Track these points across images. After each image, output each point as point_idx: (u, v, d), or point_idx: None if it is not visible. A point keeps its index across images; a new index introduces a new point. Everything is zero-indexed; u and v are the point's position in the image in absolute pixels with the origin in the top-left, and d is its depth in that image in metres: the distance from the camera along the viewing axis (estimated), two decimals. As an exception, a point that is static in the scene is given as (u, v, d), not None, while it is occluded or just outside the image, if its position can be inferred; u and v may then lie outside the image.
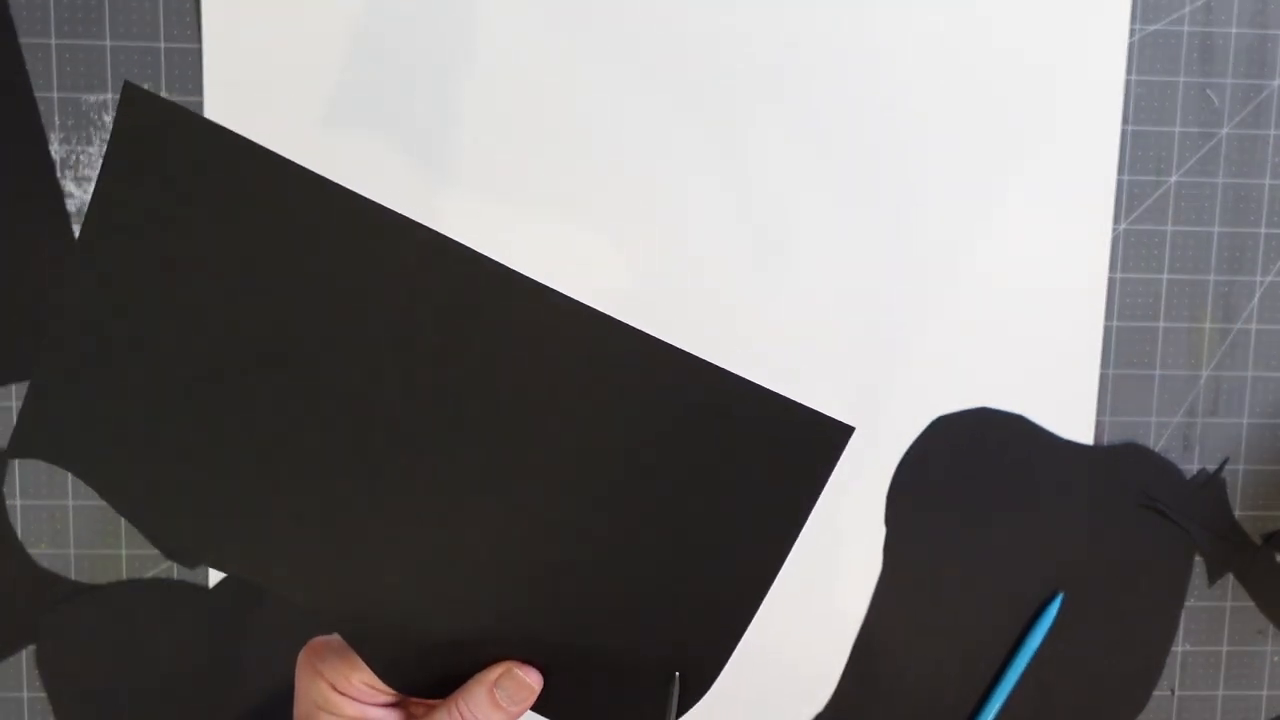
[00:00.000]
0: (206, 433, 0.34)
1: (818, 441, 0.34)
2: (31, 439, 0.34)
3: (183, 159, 0.32)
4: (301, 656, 0.38)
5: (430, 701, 0.38)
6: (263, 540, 0.35)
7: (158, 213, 0.33)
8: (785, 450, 0.35)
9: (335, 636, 0.38)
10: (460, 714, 0.37)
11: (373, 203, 0.32)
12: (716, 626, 0.37)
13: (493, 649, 0.37)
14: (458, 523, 0.35)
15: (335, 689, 0.37)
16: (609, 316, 0.33)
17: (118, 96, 0.51)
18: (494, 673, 0.37)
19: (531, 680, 0.37)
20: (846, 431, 0.34)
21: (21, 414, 0.34)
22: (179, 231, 0.33)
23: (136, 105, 0.32)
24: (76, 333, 0.34)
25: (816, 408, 0.34)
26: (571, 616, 0.37)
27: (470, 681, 0.37)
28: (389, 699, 0.38)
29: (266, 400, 0.34)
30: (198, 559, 0.36)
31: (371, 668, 0.37)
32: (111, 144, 0.32)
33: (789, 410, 0.34)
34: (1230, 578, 0.57)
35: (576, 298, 0.33)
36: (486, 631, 0.37)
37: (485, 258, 0.32)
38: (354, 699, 0.37)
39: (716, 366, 0.34)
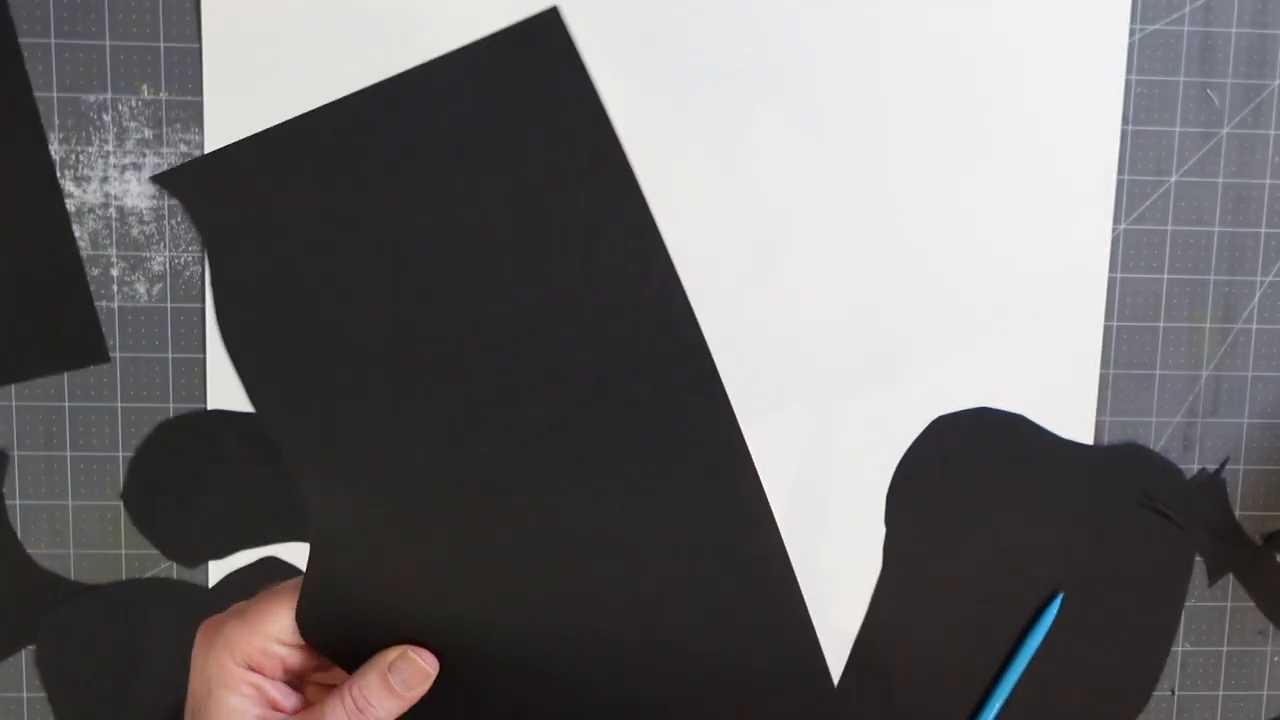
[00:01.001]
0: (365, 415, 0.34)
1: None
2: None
3: (245, 184, 0.33)
4: (198, 636, 0.36)
5: (327, 680, 0.37)
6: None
7: (259, 235, 0.33)
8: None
9: (232, 610, 0.36)
10: (354, 699, 0.35)
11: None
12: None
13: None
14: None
15: (232, 660, 0.35)
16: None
17: (117, 96, 0.51)
18: (390, 655, 0.36)
19: (427, 665, 0.36)
20: None
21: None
22: (287, 238, 0.33)
23: (179, 179, 0.33)
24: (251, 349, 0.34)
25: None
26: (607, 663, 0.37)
27: (365, 665, 0.36)
28: (288, 672, 0.36)
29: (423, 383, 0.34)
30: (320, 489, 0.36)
31: (299, 612, 0.35)
32: (196, 220, 0.33)
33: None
34: (1230, 578, 0.57)
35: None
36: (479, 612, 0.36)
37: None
38: (252, 669, 0.35)
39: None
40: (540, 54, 0.32)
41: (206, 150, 0.51)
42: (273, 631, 0.35)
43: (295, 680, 0.37)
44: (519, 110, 0.32)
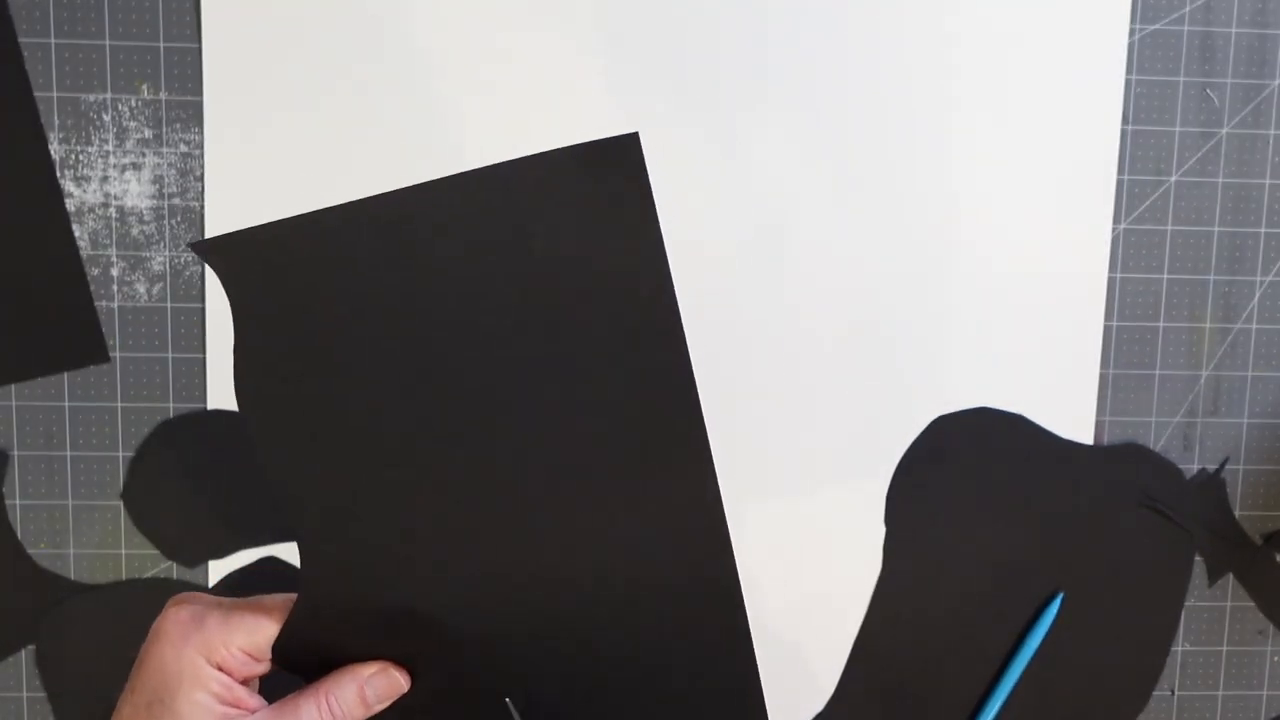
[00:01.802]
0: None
1: None
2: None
3: (283, 263, 0.34)
4: (166, 623, 0.36)
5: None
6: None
7: (290, 311, 0.34)
8: None
9: (205, 601, 0.37)
10: (329, 706, 0.36)
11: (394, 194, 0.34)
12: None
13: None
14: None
15: (207, 659, 0.36)
16: None
17: (117, 96, 0.51)
18: (368, 669, 0.37)
19: (402, 680, 0.38)
20: None
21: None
22: (315, 315, 0.35)
23: (216, 249, 0.34)
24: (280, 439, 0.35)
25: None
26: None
27: (342, 673, 0.37)
28: (247, 678, 0.37)
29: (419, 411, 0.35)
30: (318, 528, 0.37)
31: (277, 643, 0.36)
32: (228, 289, 0.34)
33: None
34: (1230, 578, 0.57)
35: None
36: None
37: None
38: (227, 671, 0.36)
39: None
40: (613, 173, 0.33)
41: (206, 151, 0.51)
42: (254, 643, 0.36)
43: (248, 682, 0.38)
44: (581, 221, 0.34)
